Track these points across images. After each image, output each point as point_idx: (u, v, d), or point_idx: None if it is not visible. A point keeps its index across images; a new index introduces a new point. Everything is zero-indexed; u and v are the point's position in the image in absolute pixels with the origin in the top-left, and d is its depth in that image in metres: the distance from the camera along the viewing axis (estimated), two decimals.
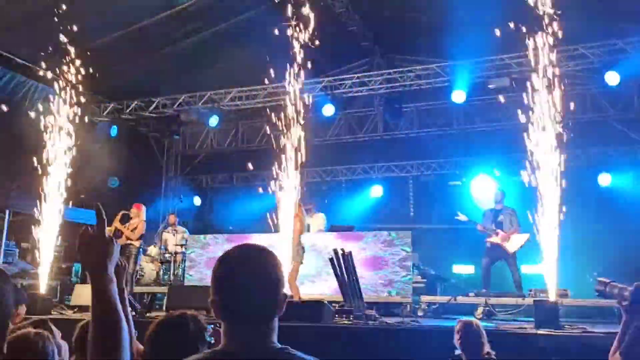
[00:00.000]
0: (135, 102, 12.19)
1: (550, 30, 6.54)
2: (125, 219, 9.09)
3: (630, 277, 9.20)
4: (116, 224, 8.99)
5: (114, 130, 12.01)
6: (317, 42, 7.67)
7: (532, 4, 6.51)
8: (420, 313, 8.66)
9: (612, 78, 9.24)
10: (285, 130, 7.76)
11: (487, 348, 4.16)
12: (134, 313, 7.13)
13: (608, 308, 8.35)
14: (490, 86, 10.17)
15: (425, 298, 9.09)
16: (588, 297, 8.68)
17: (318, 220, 10.30)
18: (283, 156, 7.63)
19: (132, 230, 8.85)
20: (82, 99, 8.98)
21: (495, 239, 8.77)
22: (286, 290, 1.60)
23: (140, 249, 8.86)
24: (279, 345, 1.51)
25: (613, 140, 11.40)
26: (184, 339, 2.29)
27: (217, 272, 1.55)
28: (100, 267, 1.59)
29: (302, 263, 7.94)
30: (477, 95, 11.22)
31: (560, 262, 10.26)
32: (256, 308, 1.51)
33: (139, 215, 9.04)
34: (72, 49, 8.57)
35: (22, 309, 4.69)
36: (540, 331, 5.18)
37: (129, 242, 8.82)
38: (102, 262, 1.59)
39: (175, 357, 2.16)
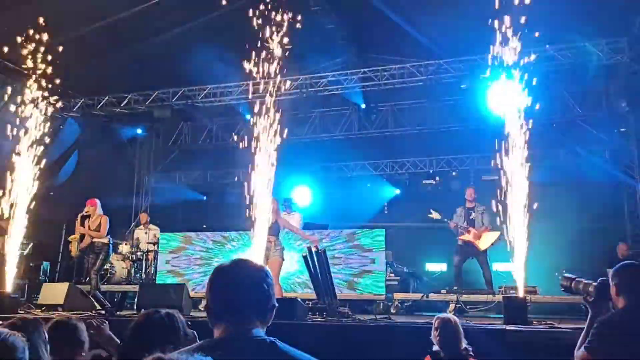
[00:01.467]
0: (107, 98, 12.02)
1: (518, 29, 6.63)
2: (85, 220, 8.83)
3: (597, 274, 9.41)
4: (79, 230, 8.65)
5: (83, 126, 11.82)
6: (292, 40, 7.64)
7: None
8: (393, 310, 8.72)
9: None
10: (259, 127, 7.72)
11: (464, 344, 4.22)
12: (103, 311, 7.06)
13: (576, 305, 8.54)
14: (462, 86, 10.30)
15: (398, 295, 9.17)
16: (557, 294, 8.88)
17: (295, 219, 10.29)
18: (257, 153, 7.59)
19: (96, 230, 8.52)
20: (51, 94, 8.81)
21: (467, 237, 8.87)
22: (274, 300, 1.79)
23: (110, 244, 8.61)
24: (267, 338, 1.65)
25: (581, 139, 11.63)
26: (174, 336, 2.28)
27: (213, 283, 1.73)
28: None
29: (283, 260, 7.90)
30: (451, 95, 11.36)
31: (529, 260, 10.46)
32: (247, 317, 1.67)
33: (96, 211, 8.70)
34: (42, 42, 8.40)
35: None
36: (509, 327, 5.27)
37: (95, 240, 8.55)
38: None
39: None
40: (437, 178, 12.83)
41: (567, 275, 3.44)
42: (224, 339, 1.62)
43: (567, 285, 3.43)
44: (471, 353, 4.14)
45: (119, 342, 3.06)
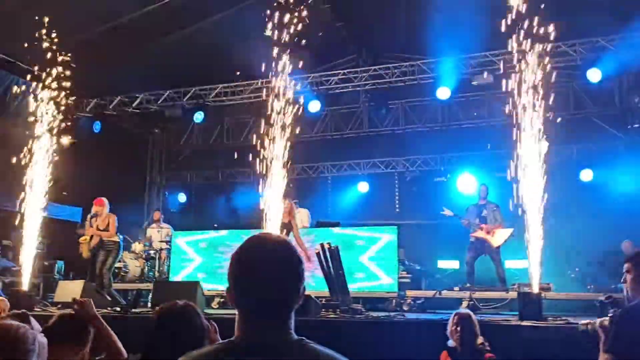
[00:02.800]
0: (119, 98, 12.10)
1: (531, 26, 6.62)
2: (93, 218, 8.88)
3: (610, 271, 9.37)
4: (89, 231, 8.69)
5: (97, 126, 11.89)
6: (303, 40, 7.67)
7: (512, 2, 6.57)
8: (405, 307, 8.71)
9: (594, 75, 9.35)
10: (271, 126, 7.76)
11: (480, 339, 4.23)
12: (118, 309, 7.12)
13: (589, 302, 8.50)
14: (473, 83, 10.26)
15: (410, 293, 9.15)
16: (570, 291, 8.84)
17: (302, 216, 10.32)
18: (269, 152, 7.63)
19: (105, 229, 8.55)
20: (64, 95, 8.88)
21: (479, 234, 8.85)
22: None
23: (121, 242, 8.65)
24: (296, 337, 1.48)
25: (594, 136, 11.56)
26: (192, 328, 2.30)
27: (236, 260, 1.51)
28: None
29: None
30: (461, 91, 11.33)
31: (543, 257, 10.41)
32: (275, 300, 1.47)
33: (104, 210, 8.75)
34: (54, 44, 8.49)
35: (4, 304, 4.64)
36: (524, 323, 5.26)
37: (106, 239, 8.59)
38: None
39: (181, 344, 2.16)
40: (449, 175, 12.79)
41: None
42: (245, 344, 1.46)
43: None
44: (487, 348, 4.15)
45: (104, 323, 3.05)
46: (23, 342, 2.41)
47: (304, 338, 1.48)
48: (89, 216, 8.77)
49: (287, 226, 8.09)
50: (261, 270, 1.47)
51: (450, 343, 4.21)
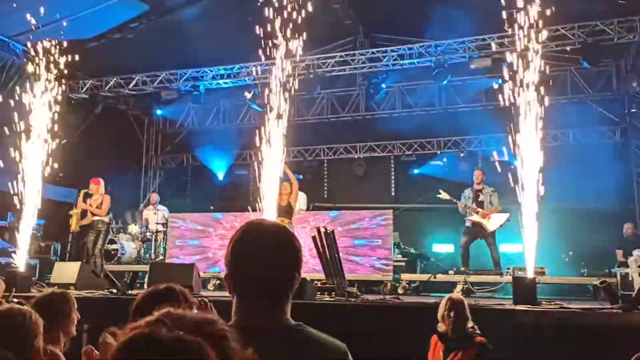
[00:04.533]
0: (115, 79, 12.01)
1: (530, 10, 6.58)
2: (88, 197, 8.97)
3: (603, 257, 9.43)
4: (81, 205, 8.85)
5: (97, 109, 11.84)
6: (299, 21, 7.60)
7: None
8: (400, 291, 8.77)
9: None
10: (267, 108, 7.74)
11: (470, 323, 4.26)
12: (115, 290, 7.14)
13: (583, 286, 8.60)
14: (471, 66, 10.22)
15: (405, 276, 9.21)
16: (564, 275, 8.92)
17: (298, 199, 10.32)
18: (266, 133, 7.61)
19: (97, 207, 8.70)
20: (60, 75, 8.81)
21: (475, 218, 8.88)
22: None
23: (109, 224, 8.73)
24: (293, 322, 1.50)
25: (591, 120, 11.56)
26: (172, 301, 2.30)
27: (234, 245, 1.51)
28: None
29: None
30: (459, 75, 11.28)
31: (537, 242, 10.47)
32: (272, 284, 1.48)
33: (99, 190, 8.88)
34: (50, 24, 8.40)
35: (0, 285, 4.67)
36: (518, 307, 5.30)
37: (96, 218, 8.72)
38: None
39: None
40: (445, 159, 12.79)
41: None
42: (243, 329, 1.50)
43: None
44: (477, 332, 4.18)
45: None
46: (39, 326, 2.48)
47: (301, 323, 1.49)
48: (82, 192, 8.87)
49: (287, 208, 8.04)
50: (258, 256, 1.48)
51: (440, 327, 4.24)
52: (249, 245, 1.51)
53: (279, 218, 7.80)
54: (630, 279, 6.94)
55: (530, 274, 6.07)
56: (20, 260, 8.12)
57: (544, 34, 6.84)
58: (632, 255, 7.84)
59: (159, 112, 12.46)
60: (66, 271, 8.17)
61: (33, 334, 2.45)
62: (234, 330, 1.32)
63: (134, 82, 11.95)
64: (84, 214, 8.93)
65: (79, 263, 8.33)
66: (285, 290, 1.51)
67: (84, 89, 11.98)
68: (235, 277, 1.50)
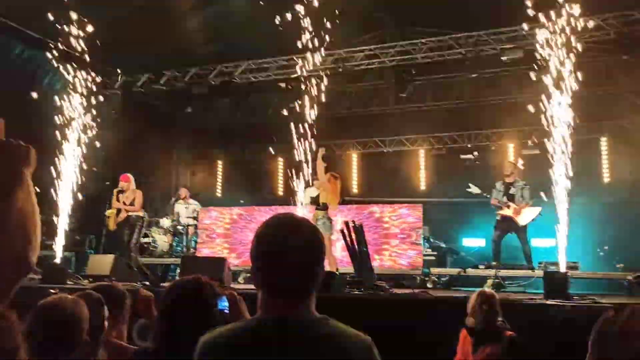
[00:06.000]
0: (146, 75, 12.20)
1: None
2: (120, 194, 9.12)
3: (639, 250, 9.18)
4: (115, 204, 9.02)
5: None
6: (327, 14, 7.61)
7: None
8: (430, 285, 8.73)
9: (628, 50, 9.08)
10: (298, 103, 7.79)
11: (501, 318, 4.23)
12: (147, 282, 7.29)
13: (617, 281, 8.41)
14: (502, 58, 10.05)
15: (435, 270, 9.16)
16: (598, 270, 8.74)
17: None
18: (296, 128, 7.67)
19: (131, 204, 8.86)
20: (92, 72, 9.01)
21: (506, 212, 8.77)
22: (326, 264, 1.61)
23: (144, 218, 8.89)
24: (318, 315, 1.51)
25: (626, 112, 11.27)
26: (198, 301, 2.35)
27: (257, 239, 1.53)
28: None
29: (332, 234, 7.96)
30: (490, 67, 11.10)
31: (570, 236, 10.29)
32: (296, 281, 1.49)
33: (130, 186, 9.02)
34: (82, 21, 8.57)
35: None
36: (550, 301, 5.23)
37: (131, 213, 8.88)
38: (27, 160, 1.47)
39: (189, 317, 2.23)
40: (476, 153, 12.64)
41: None
42: (266, 323, 1.48)
43: None
44: (507, 326, 4.15)
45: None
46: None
47: (326, 316, 1.51)
48: (115, 191, 9.05)
49: (324, 204, 8.01)
50: (283, 251, 1.49)
51: (470, 321, 4.21)
52: (273, 239, 1.52)
53: (316, 211, 7.85)
54: None
55: (562, 268, 5.98)
56: (57, 252, 8.36)
57: (580, 23, 6.69)
58: None
59: (189, 109, 12.54)
60: (101, 263, 8.37)
61: (81, 325, 2.45)
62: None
63: (165, 78, 12.12)
64: (119, 212, 9.10)
65: (113, 255, 8.52)
66: (309, 285, 1.52)
67: (117, 85, 12.20)
68: (259, 271, 1.52)
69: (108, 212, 9.24)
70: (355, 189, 13.50)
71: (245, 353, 1.45)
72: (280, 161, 13.95)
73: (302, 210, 7.90)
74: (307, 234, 1.53)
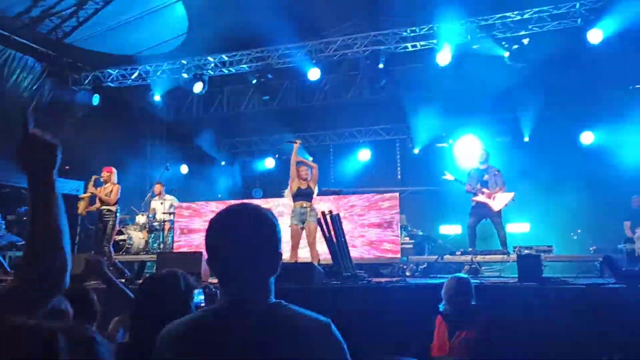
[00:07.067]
0: (117, 70, 12.03)
1: None
2: (98, 184, 9.02)
3: (612, 233, 9.41)
4: (91, 189, 8.93)
5: (95, 99, 11.86)
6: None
7: None
8: (408, 273, 8.80)
9: (595, 36, 9.21)
10: (272, 95, 7.75)
11: (475, 302, 4.29)
12: (123, 280, 7.22)
13: (590, 263, 8.59)
14: (474, 47, 10.15)
15: (413, 258, 9.24)
16: (572, 253, 8.91)
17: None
18: (270, 121, 7.63)
19: (107, 195, 8.74)
20: (62, 68, 8.86)
21: (480, 198, 8.87)
22: (285, 251, 1.61)
23: (117, 214, 8.80)
24: (273, 300, 1.51)
25: (595, 98, 11.46)
26: (174, 293, 2.34)
27: (211, 231, 1.53)
28: (48, 170, 1.42)
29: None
30: (462, 56, 11.18)
31: (545, 220, 10.45)
32: (251, 268, 1.49)
33: (111, 178, 8.90)
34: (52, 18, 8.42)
35: None
36: (524, 284, 5.32)
37: (104, 207, 8.77)
38: (50, 165, 1.42)
39: (165, 310, 2.23)
40: (450, 141, 12.76)
41: None
42: (224, 311, 1.49)
43: None
44: (482, 311, 4.21)
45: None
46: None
47: (282, 301, 1.51)
48: (94, 177, 8.95)
49: (309, 191, 7.95)
50: (233, 239, 1.50)
51: (443, 307, 4.27)
52: (222, 229, 1.52)
53: (299, 202, 7.81)
54: (636, 254, 6.94)
55: (535, 251, 6.08)
56: None
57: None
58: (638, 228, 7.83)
59: (157, 97, 12.36)
60: (76, 262, 8.23)
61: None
62: None
63: (136, 73, 11.96)
64: (92, 199, 9.00)
65: (87, 254, 8.40)
66: (263, 272, 1.52)
67: (86, 81, 12.01)
68: (212, 260, 1.52)
69: (82, 195, 9.17)
70: (331, 180, 13.54)
71: (203, 341, 1.44)
72: (256, 153, 13.93)
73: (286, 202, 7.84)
74: (255, 218, 1.53)
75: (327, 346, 1.44)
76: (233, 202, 9.46)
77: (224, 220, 1.54)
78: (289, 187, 8.23)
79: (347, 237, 7.54)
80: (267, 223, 1.53)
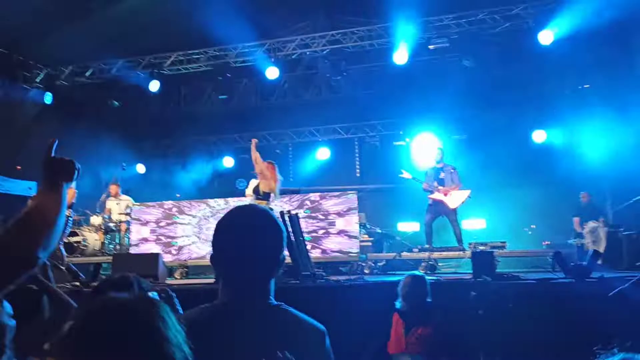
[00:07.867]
0: (71, 68, 11.72)
1: None
2: None
3: (565, 228, 9.70)
4: None
5: (48, 98, 11.53)
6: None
7: None
8: (366, 271, 8.88)
9: (546, 37, 9.48)
10: (231, 94, 7.70)
11: (430, 299, 4.37)
12: (77, 283, 7.06)
13: (542, 258, 8.86)
14: (430, 47, 10.30)
15: (371, 256, 9.34)
16: (525, 248, 9.17)
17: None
18: (229, 119, 7.57)
19: None
20: (11, 66, 8.59)
21: (437, 196, 9.04)
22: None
23: (71, 218, 8.59)
24: (275, 302, 1.55)
25: (547, 97, 11.79)
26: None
27: (218, 228, 1.56)
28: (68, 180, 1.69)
29: None
30: (419, 55, 11.34)
31: (498, 217, 10.70)
32: (255, 268, 1.53)
33: None
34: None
35: None
36: (478, 279, 5.45)
37: None
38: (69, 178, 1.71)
39: None
40: (408, 139, 12.93)
41: None
42: (226, 307, 1.52)
43: None
44: (437, 307, 4.30)
45: None
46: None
47: (282, 303, 1.55)
48: None
49: (266, 194, 7.80)
50: (242, 239, 1.53)
51: (400, 304, 4.33)
52: (232, 229, 1.56)
53: (256, 201, 7.74)
54: (585, 249, 7.19)
55: (488, 248, 6.24)
56: None
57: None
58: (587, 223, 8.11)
59: (116, 102, 12.14)
60: None
61: None
62: None
63: (90, 71, 11.70)
64: None
65: None
66: (268, 273, 1.56)
67: (39, 79, 11.67)
68: (218, 258, 1.55)
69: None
70: (290, 179, 13.52)
71: (199, 338, 1.46)
72: (214, 152, 13.79)
73: (248, 201, 7.79)
74: (264, 223, 1.57)
75: (320, 354, 1.51)
76: (190, 202, 9.36)
77: (232, 221, 1.58)
78: (267, 187, 7.83)
79: (305, 236, 7.56)
80: (273, 227, 1.58)
